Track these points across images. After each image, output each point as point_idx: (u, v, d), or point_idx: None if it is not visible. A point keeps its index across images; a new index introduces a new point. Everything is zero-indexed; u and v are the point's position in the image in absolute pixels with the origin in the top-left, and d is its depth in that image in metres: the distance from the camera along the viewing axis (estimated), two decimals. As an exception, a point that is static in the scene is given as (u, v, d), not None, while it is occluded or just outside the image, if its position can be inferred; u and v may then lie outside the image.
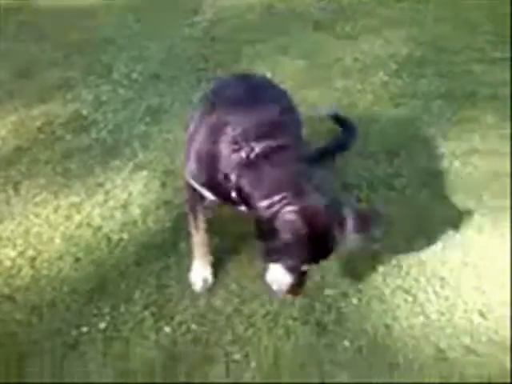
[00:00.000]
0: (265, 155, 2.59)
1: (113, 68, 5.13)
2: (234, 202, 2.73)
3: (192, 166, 2.87)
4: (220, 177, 2.68)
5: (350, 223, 2.51)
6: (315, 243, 2.43)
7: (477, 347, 2.82)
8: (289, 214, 2.40)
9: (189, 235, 3.19)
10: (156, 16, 6.14)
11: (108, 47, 5.47)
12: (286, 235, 2.40)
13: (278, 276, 2.60)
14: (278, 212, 2.43)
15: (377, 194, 3.67)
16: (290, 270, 2.55)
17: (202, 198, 2.96)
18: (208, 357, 2.77)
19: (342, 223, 2.50)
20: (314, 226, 2.40)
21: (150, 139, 4.24)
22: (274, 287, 2.66)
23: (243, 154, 2.61)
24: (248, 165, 2.59)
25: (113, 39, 5.61)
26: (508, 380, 2.55)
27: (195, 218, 3.08)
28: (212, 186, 2.79)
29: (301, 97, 3.93)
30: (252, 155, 2.60)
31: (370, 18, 5.94)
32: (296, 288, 2.65)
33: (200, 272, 3.15)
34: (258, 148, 2.60)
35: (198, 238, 3.13)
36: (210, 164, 2.73)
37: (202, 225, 3.09)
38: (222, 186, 2.71)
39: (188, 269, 3.18)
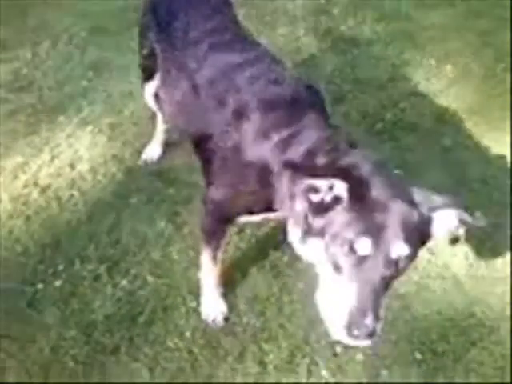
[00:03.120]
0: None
1: (50, 23, 4.97)
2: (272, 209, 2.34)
3: (224, 192, 2.48)
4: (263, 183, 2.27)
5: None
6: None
7: (426, 282, 2.93)
8: None
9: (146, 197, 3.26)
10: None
11: (41, 2, 5.26)
12: None
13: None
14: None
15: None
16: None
17: (230, 224, 2.63)
18: (166, 306, 2.81)
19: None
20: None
21: (94, 94, 4.17)
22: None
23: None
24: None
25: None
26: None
27: (216, 248, 2.69)
28: (254, 201, 2.38)
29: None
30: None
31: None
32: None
33: (215, 305, 2.82)
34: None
35: (215, 270, 2.78)
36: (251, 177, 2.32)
37: (220, 255, 2.74)
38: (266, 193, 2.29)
39: (140, 221, 3.20)
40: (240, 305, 2.83)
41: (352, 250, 1.83)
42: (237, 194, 2.40)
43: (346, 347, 2.66)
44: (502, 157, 3.61)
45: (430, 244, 2.90)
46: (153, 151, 3.63)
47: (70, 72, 4.39)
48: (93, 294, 2.87)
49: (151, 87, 3.23)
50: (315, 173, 1.99)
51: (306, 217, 1.97)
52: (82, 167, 3.57)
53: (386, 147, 3.64)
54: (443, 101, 4.02)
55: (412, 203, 1.90)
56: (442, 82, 4.23)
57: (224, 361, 2.64)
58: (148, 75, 3.20)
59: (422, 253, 2.93)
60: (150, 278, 2.93)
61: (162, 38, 2.89)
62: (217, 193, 2.51)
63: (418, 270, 2.97)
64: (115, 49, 4.56)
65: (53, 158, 3.63)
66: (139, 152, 3.62)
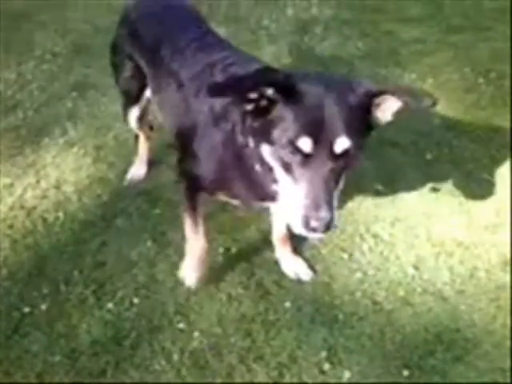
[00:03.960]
0: None
1: (34, 43, 5.00)
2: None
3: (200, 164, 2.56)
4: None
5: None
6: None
7: (412, 298, 2.94)
8: None
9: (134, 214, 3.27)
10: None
11: (26, 22, 5.30)
12: None
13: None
14: None
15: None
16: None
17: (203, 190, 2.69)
18: (153, 328, 2.80)
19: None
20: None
21: (79, 115, 4.19)
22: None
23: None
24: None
25: (30, 13, 5.45)
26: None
27: (195, 214, 2.79)
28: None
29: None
30: None
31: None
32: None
33: (194, 268, 2.95)
34: None
35: (198, 238, 2.86)
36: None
37: (201, 221, 2.82)
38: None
39: (126, 243, 3.20)
40: (226, 325, 2.81)
41: (296, 149, 1.92)
42: (214, 166, 2.49)
43: (333, 364, 2.68)
44: (485, 168, 3.64)
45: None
46: (138, 170, 3.66)
47: (55, 93, 4.42)
48: (79, 317, 2.85)
49: (136, 110, 3.27)
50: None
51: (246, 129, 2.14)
52: (68, 189, 3.57)
53: (370, 164, 3.67)
54: (425, 115, 4.04)
55: (348, 92, 1.98)
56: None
57: (212, 382, 2.62)
58: (133, 99, 3.25)
59: (407, 268, 3.04)
60: (135, 300, 2.92)
61: (150, 55, 2.95)
62: (193, 165, 2.60)
63: (403, 285, 2.99)
64: (100, 69, 4.59)
65: (38, 180, 3.64)
66: (125, 173, 3.64)
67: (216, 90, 2.05)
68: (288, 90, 1.95)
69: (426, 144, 3.82)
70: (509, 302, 2.90)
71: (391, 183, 3.54)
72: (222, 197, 2.64)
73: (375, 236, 3.24)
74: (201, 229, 2.84)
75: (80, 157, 3.81)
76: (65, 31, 5.12)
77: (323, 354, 2.70)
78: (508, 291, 2.95)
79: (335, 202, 1.96)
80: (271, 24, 5.12)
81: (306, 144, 1.90)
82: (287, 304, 2.89)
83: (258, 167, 2.22)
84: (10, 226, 3.33)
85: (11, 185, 3.60)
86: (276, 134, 1.96)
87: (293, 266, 3.04)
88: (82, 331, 2.79)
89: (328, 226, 1.92)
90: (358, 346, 2.73)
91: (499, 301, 2.91)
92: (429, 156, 3.72)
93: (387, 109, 2.05)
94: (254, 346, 2.73)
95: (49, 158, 3.80)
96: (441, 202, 3.43)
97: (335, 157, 1.92)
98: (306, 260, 3.10)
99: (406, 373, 2.64)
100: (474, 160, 3.69)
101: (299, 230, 1.96)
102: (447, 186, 3.51)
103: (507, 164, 3.64)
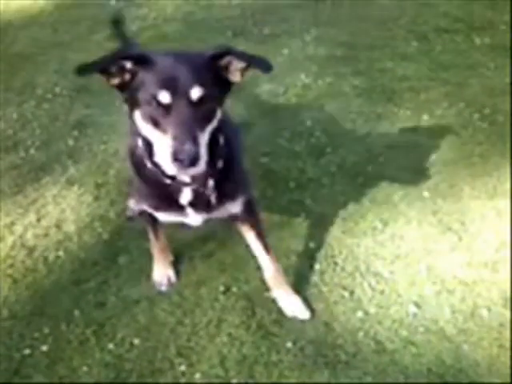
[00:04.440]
0: None
1: (34, 83, 5.05)
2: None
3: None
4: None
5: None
6: None
7: (414, 338, 2.91)
8: None
9: (134, 247, 3.32)
10: (73, 27, 6.11)
11: (27, 62, 5.38)
12: None
13: None
14: None
15: (307, 193, 3.76)
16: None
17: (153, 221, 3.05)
18: (154, 370, 2.78)
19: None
20: None
21: (80, 153, 4.22)
22: None
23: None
24: None
25: (31, 54, 5.53)
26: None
27: (154, 229, 3.16)
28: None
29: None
30: None
31: (286, 22, 6.14)
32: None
33: (163, 271, 3.25)
34: None
35: (158, 245, 3.23)
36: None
37: (161, 233, 3.19)
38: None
39: (127, 282, 3.20)
40: (228, 367, 2.78)
41: (157, 102, 2.19)
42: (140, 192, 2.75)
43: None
44: (485, 204, 3.65)
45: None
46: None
47: (56, 131, 4.45)
48: (80, 358, 2.84)
49: None
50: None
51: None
52: (69, 227, 3.58)
53: (367, 200, 3.69)
54: (421, 152, 4.08)
55: (197, 57, 2.32)
56: (418, 133, 4.30)
57: (214, 425, 2.60)
58: None
59: (408, 306, 3.03)
60: (136, 341, 2.91)
61: None
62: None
63: (405, 324, 2.97)
64: (100, 108, 4.64)
65: (39, 219, 3.65)
66: (125, 211, 3.64)
67: (82, 70, 2.26)
68: (144, 61, 2.26)
69: (424, 180, 3.83)
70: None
71: (390, 220, 3.55)
72: (167, 220, 2.86)
73: (376, 274, 3.23)
74: (161, 243, 3.23)
75: (81, 195, 3.82)
76: (65, 72, 5.17)
77: (326, 395, 2.69)
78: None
79: (202, 141, 2.20)
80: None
81: (165, 96, 2.18)
82: (289, 344, 2.87)
83: (149, 165, 2.46)
84: (11, 266, 3.34)
85: (12, 223, 3.62)
86: (141, 95, 2.24)
87: (290, 306, 3.04)
88: (83, 373, 2.78)
89: (195, 158, 2.14)
90: (361, 387, 2.72)
91: (501, 339, 2.89)
92: (426, 193, 3.73)
93: (234, 69, 2.37)
94: (258, 384, 2.71)
95: (49, 197, 3.82)
96: (441, 239, 3.43)
97: (193, 104, 2.19)
98: (306, 299, 3.08)
99: (410, 415, 2.62)
100: (473, 196, 3.70)
101: (170, 168, 2.20)
102: (446, 222, 3.52)
103: (506, 200, 3.65)
